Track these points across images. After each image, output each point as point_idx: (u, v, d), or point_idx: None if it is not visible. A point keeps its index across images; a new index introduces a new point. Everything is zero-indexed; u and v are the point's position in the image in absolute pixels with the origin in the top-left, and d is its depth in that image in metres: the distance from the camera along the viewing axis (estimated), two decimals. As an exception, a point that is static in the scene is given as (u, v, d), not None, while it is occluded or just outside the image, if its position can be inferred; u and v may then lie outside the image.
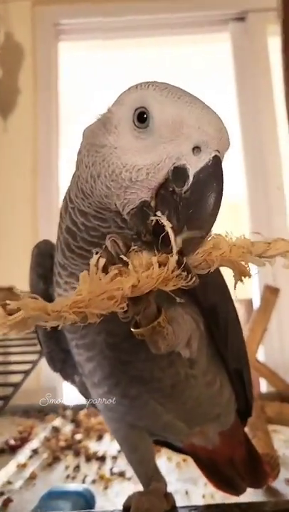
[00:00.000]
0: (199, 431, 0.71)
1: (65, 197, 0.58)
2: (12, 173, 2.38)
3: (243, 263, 0.47)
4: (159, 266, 0.43)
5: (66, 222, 0.56)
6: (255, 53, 2.67)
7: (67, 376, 0.72)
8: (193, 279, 0.44)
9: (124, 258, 0.44)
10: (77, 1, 2.64)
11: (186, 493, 1.01)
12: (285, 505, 0.68)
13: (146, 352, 0.56)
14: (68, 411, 1.70)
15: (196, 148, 0.46)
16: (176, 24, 2.75)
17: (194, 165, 0.45)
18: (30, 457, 1.28)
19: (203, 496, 1.00)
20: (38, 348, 1.18)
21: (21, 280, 1.77)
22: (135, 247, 0.45)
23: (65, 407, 1.75)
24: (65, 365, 0.70)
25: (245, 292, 2.58)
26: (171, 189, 0.46)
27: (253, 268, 0.48)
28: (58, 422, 1.60)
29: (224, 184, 0.46)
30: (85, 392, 0.72)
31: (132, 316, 0.47)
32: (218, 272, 0.61)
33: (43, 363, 2.23)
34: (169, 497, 0.63)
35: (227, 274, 0.60)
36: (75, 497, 0.94)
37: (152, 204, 0.47)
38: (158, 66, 3.17)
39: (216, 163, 0.45)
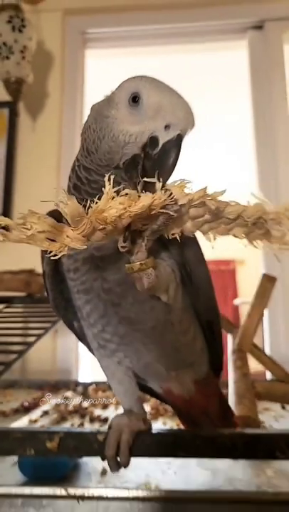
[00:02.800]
0: (175, 376, 0.83)
1: (73, 162, 0.74)
2: (38, 168, 2.57)
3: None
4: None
5: (73, 180, 0.72)
6: (272, 60, 2.77)
7: (67, 321, 0.86)
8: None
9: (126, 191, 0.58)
10: (104, 12, 2.83)
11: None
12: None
13: (134, 296, 0.70)
14: (80, 387, 1.85)
15: (167, 127, 0.64)
16: (196, 32, 2.89)
17: (163, 138, 0.64)
18: (41, 416, 1.43)
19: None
20: (44, 324, 1.33)
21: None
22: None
23: (76, 383, 1.90)
24: (66, 312, 0.84)
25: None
26: (147, 151, 0.65)
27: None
28: (68, 393, 1.75)
29: (180, 154, 0.65)
30: (82, 336, 0.85)
31: (127, 250, 0.60)
32: (194, 236, 0.74)
33: (59, 343, 2.38)
34: (146, 421, 0.76)
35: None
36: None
37: (142, 156, 0.66)
38: (178, 72, 3.30)
39: (178, 139, 0.64)
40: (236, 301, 6.40)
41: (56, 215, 0.62)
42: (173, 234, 0.62)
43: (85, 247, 0.59)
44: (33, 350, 1.71)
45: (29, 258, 2.16)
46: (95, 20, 2.86)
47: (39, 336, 1.23)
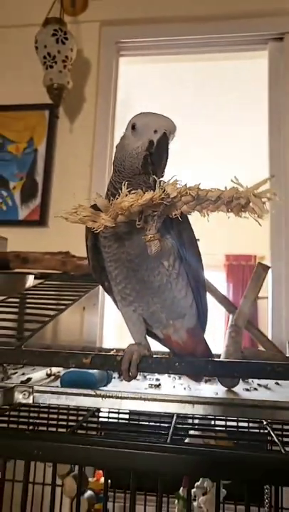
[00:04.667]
0: (172, 324, 1.15)
1: (109, 181, 1.08)
2: (74, 166, 2.92)
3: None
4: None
5: (111, 190, 1.05)
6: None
7: (101, 281, 1.19)
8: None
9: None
10: (136, 23, 3.13)
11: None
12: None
13: (147, 265, 1.02)
14: (102, 352, 2.19)
15: (155, 132, 0.97)
16: (221, 43, 3.15)
17: (155, 139, 0.98)
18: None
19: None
20: (76, 293, 1.66)
21: (75, 253, 2.26)
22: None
23: (100, 349, 2.25)
24: (101, 275, 1.17)
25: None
26: (150, 151, 0.98)
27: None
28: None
29: (168, 145, 0.99)
30: (109, 291, 1.18)
31: (143, 227, 0.93)
32: (188, 224, 1.06)
33: (86, 318, 2.72)
34: (149, 350, 1.07)
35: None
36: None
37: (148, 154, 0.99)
38: (203, 79, 3.58)
39: (164, 136, 0.97)
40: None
41: (96, 207, 0.98)
42: (175, 214, 0.93)
43: (114, 225, 0.93)
44: (62, 323, 2.09)
45: (64, 243, 2.52)
46: (128, 31, 3.16)
47: (73, 301, 1.56)
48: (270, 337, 2.64)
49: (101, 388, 1.21)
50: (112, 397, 1.15)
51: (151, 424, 1.28)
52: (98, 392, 1.15)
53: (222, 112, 4.04)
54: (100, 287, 1.25)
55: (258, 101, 3.20)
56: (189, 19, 3.10)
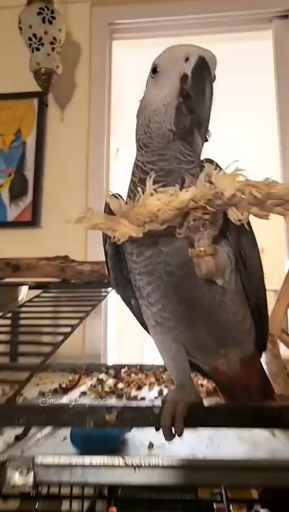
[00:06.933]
0: (224, 354, 0.88)
1: (134, 162, 0.80)
2: (67, 158, 2.63)
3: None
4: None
5: (138, 175, 0.77)
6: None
7: (125, 299, 0.92)
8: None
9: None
10: (130, 3, 2.85)
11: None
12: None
13: (193, 279, 0.75)
14: (111, 370, 1.92)
15: (187, 59, 0.69)
16: (221, 22, 2.90)
17: (188, 69, 0.68)
18: (80, 396, 1.50)
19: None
20: (83, 308, 1.39)
21: (72, 256, 2.00)
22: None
23: (108, 367, 1.97)
24: (125, 290, 0.90)
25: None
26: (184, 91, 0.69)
27: None
28: (102, 375, 1.82)
29: (210, 73, 0.69)
30: (138, 314, 0.91)
31: (186, 237, 0.66)
32: (250, 226, 0.80)
33: (88, 329, 2.45)
34: (198, 395, 0.81)
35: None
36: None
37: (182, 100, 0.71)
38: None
39: (200, 60, 0.68)
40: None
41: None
42: (239, 220, 0.66)
43: (141, 235, 0.66)
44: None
45: (61, 245, 2.24)
46: (121, 11, 2.88)
47: (80, 319, 1.29)
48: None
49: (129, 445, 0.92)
50: (149, 467, 0.85)
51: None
52: (130, 459, 0.86)
53: (225, 98, 3.74)
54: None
55: (263, 85, 2.95)
56: (188, -3, 2.83)
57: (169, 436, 0.75)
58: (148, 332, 0.90)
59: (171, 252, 0.75)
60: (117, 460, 0.83)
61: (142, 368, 1.89)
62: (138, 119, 0.79)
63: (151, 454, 0.90)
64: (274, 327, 1.60)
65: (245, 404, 0.78)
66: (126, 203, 0.73)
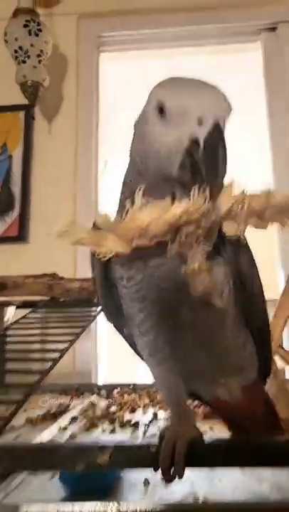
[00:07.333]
0: (225, 383, 0.82)
1: (124, 179, 0.74)
2: (54, 171, 2.58)
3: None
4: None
5: (127, 194, 0.71)
6: (285, 60, 2.78)
7: (117, 327, 0.86)
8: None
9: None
10: (117, 15, 2.83)
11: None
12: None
13: (190, 303, 0.69)
14: (103, 390, 1.84)
15: (200, 121, 0.61)
16: (210, 35, 2.89)
17: (202, 134, 0.61)
18: (70, 423, 1.42)
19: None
20: (73, 329, 1.32)
21: (61, 271, 1.93)
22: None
23: (99, 387, 1.89)
24: (116, 318, 0.83)
25: (274, 293, 2.66)
26: (194, 156, 0.62)
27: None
28: (93, 397, 1.74)
29: (225, 144, 0.63)
30: (131, 343, 0.85)
31: (178, 254, 0.60)
32: (246, 242, 0.74)
33: (78, 348, 2.38)
34: (197, 428, 0.75)
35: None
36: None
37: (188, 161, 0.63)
38: (191, 74, 3.29)
39: (216, 129, 0.61)
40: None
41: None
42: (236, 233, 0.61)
43: (129, 250, 0.61)
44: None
45: (50, 261, 2.17)
46: (109, 24, 2.86)
47: (71, 342, 1.22)
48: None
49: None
50: None
51: None
52: (124, 505, 0.78)
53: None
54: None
55: (253, 96, 2.94)
56: (176, 9, 2.83)
57: (168, 478, 0.68)
58: (144, 361, 0.83)
59: (164, 275, 0.69)
60: (110, 507, 0.76)
61: (135, 388, 1.82)
62: (137, 140, 0.72)
63: (148, 494, 0.83)
64: (272, 343, 1.55)
65: (250, 441, 0.72)
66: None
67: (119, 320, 0.83)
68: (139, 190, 0.61)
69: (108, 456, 0.68)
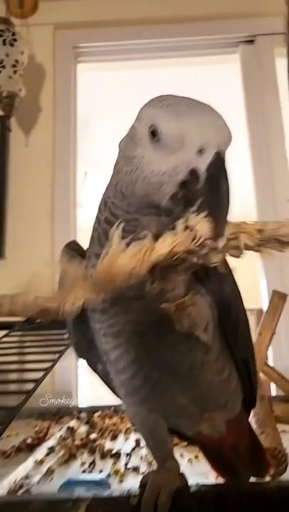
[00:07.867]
0: (208, 418, 0.77)
1: (103, 197, 0.68)
2: (31, 185, 2.50)
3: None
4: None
5: (106, 214, 0.65)
6: (264, 74, 2.79)
7: (91, 364, 0.79)
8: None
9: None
10: (95, 26, 2.79)
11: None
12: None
13: (170, 339, 0.64)
14: (83, 413, 1.76)
15: (201, 151, 0.54)
16: (187, 46, 2.87)
17: (202, 165, 0.54)
18: (47, 454, 1.34)
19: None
20: (50, 356, 1.26)
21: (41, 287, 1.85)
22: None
23: (79, 410, 1.81)
24: (89, 354, 0.77)
25: (256, 302, 2.63)
26: (190, 187, 0.55)
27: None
28: (73, 423, 1.66)
29: (228, 173, 0.56)
30: (106, 380, 0.79)
31: (159, 291, 0.55)
32: (230, 270, 0.70)
33: (58, 367, 2.29)
34: (182, 475, 0.69)
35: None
36: (92, 485, 1.00)
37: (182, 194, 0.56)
38: (169, 86, 3.28)
39: (218, 158, 0.54)
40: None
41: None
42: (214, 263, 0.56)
43: (100, 299, 0.57)
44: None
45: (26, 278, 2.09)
46: (86, 35, 2.82)
47: (47, 370, 1.15)
48: (271, 362, 2.32)
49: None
50: None
51: None
52: None
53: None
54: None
55: (232, 107, 2.93)
56: (153, 21, 2.81)
57: None
58: (121, 399, 0.77)
59: (141, 308, 0.63)
60: None
61: (116, 410, 1.75)
62: (124, 161, 0.64)
63: None
64: (257, 362, 1.51)
65: (239, 487, 0.66)
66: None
67: (91, 356, 0.77)
68: (117, 226, 0.55)
69: (84, 510, 0.61)
